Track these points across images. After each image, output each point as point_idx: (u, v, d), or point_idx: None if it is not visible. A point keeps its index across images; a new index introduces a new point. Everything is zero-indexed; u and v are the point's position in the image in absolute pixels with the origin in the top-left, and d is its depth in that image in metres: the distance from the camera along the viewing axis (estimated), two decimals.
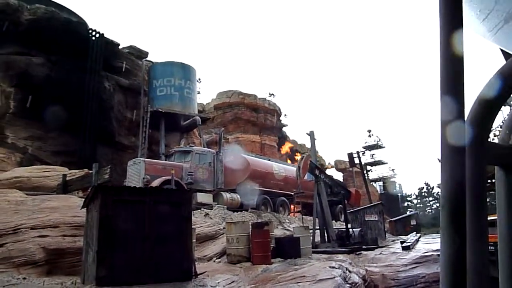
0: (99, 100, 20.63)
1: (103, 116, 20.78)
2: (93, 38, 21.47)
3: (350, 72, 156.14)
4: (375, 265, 9.91)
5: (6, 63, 19.62)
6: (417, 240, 13.46)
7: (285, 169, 20.22)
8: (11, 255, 6.52)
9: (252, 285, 7.05)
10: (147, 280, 5.41)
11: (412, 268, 9.36)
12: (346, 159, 46.51)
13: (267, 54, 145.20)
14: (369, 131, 52.59)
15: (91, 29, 21.85)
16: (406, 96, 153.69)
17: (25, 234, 7.01)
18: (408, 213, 37.80)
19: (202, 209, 13.52)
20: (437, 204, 63.44)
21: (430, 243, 12.71)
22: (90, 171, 14.01)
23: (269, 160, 21.53)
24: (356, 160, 24.14)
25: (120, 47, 23.90)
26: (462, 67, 0.72)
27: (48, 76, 19.94)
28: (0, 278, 5.84)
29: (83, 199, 7.59)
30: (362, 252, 11.36)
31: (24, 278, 5.99)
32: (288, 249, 10.00)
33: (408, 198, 64.05)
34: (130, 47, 25.16)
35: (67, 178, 13.56)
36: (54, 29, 19.70)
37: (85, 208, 6.59)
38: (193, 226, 6.94)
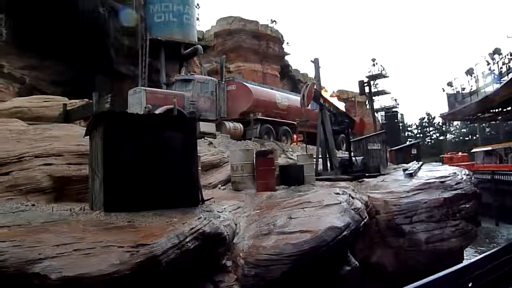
0: (94, 27, 19.70)
1: (99, 43, 20.00)
2: None
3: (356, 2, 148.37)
4: (377, 191, 10.04)
5: None
6: (419, 168, 13.59)
7: (288, 98, 19.92)
8: (18, 182, 6.56)
9: (258, 211, 7.18)
10: (155, 206, 5.45)
11: (414, 194, 9.48)
12: (349, 88, 46.10)
13: None
14: (373, 60, 51.22)
15: None
16: (410, 23, 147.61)
17: (30, 163, 6.99)
18: (408, 142, 38.22)
19: (206, 138, 13.50)
20: (437, 134, 64.00)
21: (432, 171, 12.84)
22: (91, 101, 13.79)
23: (272, 89, 21.14)
24: (366, 89, 23.71)
25: None
26: None
27: (40, 0, 18.82)
28: (9, 204, 5.90)
29: (86, 128, 7.47)
30: (364, 179, 11.49)
31: (33, 205, 6.05)
32: (292, 176, 10.10)
33: (409, 128, 64.45)
34: None
35: (68, 108, 13.37)
36: None
37: (88, 136, 6.47)
38: (198, 154, 6.87)
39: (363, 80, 22.93)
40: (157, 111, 13.29)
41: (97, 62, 19.31)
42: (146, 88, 15.37)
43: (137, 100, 14.01)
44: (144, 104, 13.59)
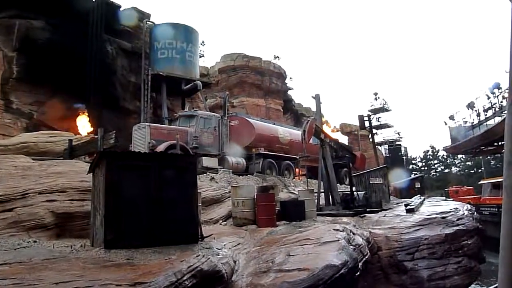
0: (102, 64, 20.35)
1: (107, 81, 20.59)
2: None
3: (355, 34, 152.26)
4: (378, 227, 10.04)
5: (7, 27, 19.28)
6: (421, 203, 13.58)
7: (290, 133, 20.17)
8: (21, 219, 6.66)
9: (258, 247, 7.20)
10: (154, 243, 5.52)
11: (416, 230, 9.47)
12: (352, 122, 46.46)
13: (271, 16, 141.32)
14: (375, 94, 51.97)
15: None
16: (411, 58, 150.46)
17: (34, 199, 7.12)
18: (412, 176, 38.04)
19: (208, 173, 13.63)
20: (442, 167, 63.72)
21: (434, 206, 12.83)
22: (96, 136, 14.05)
23: (274, 124, 21.44)
24: (366, 123, 23.93)
25: (121, 9, 23.29)
26: None
27: (50, 40, 19.58)
28: (11, 241, 5.98)
29: (89, 164, 7.64)
30: (366, 214, 11.50)
31: (35, 241, 6.13)
32: (293, 212, 10.13)
33: (413, 161, 64.30)
34: (132, 8, 24.49)
35: (73, 143, 13.63)
36: None
37: (91, 173, 6.63)
38: (199, 190, 7.00)
39: (362, 115, 23.18)
40: (160, 147, 13.53)
41: (104, 98, 19.80)
42: (150, 124, 15.67)
43: (141, 136, 14.27)
44: (148, 140, 13.84)
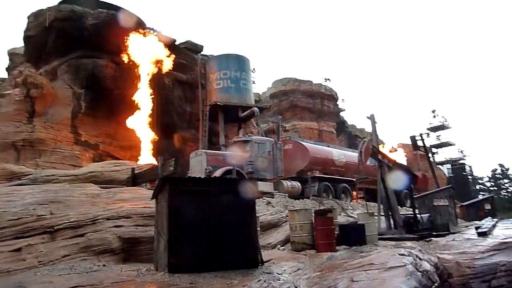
0: (160, 96, 21.51)
1: (165, 111, 21.66)
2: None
3: (409, 51, 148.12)
4: (447, 252, 9.37)
5: (76, 66, 21.10)
6: (494, 226, 12.56)
7: (345, 155, 19.81)
8: (92, 244, 7.04)
9: (318, 273, 7.00)
10: (215, 268, 5.57)
11: (490, 255, 8.71)
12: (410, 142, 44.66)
13: (320, 39, 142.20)
14: (433, 111, 49.75)
15: (148, 28, 22.73)
16: (472, 71, 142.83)
17: (102, 224, 7.51)
18: (481, 196, 35.47)
19: (264, 197, 13.65)
20: None
21: (510, 229, 11.81)
22: (156, 164, 14.68)
23: (329, 146, 21.19)
24: (420, 143, 22.87)
25: (176, 43, 24.63)
26: None
27: (113, 76, 21.13)
28: (84, 264, 6.33)
29: (151, 191, 7.97)
30: (432, 238, 10.82)
31: (104, 265, 6.44)
32: (353, 236, 9.77)
33: (480, 181, 60.06)
34: (186, 42, 25.83)
35: (136, 172, 14.31)
36: (115, 31, 20.75)
37: (155, 199, 6.90)
38: (256, 214, 7.00)
39: (414, 136, 22.18)
40: (217, 172, 13.82)
41: (163, 128, 20.79)
42: (207, 150, 16.14)
43: (198, 162, 14.70)
44: (205, 166, 14.20)
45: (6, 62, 28.86)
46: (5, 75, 27.82)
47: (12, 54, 27.82)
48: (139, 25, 22.36)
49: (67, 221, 7.30)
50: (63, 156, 19.66)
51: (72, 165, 18.85)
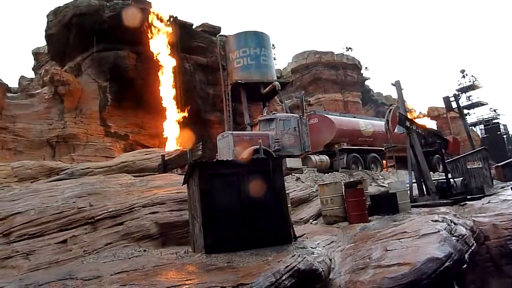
0: (182, 81, 21.69)
1: (188, 96, 21.86)
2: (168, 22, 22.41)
3: (432, 10, 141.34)
4: (483, 215, 9.24)
5: (98, 60, 21.51)
6: None
7: (372, 124, 19.50)
8: (131, 231, 7.39)
9: (352, 244, 7.09)
10: (250, 246, 5.74)
11: None
12: (439, 105, 43.34)
13: (338, 7, 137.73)
14: (463, 71, 47.76)
15: (164, 14, 22.76)
16: (500, 26, 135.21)
17: (139, 212, 7.85)
18: None
19: (293, 173, 13.74)
20: None
21: None
22: (185, 149, 14.98)
23: (355, 117, 20.89)
24: (454, 104, 22.06)
25: (193, 27, 24.59)
26: None
27: (135, 66, 21.44)
28: (125, 251, 6.69)
29: (183, 176, 8.20)
30: (466, 202, 10.65)
31: (145, 251, 6.77)
32: (385, 205, 9.77)
33: None
34: (203, 25, 25.73)
35: (166, 158, 14.66)
36: (132, 20, 20.88)
37: (186, 184, 7.11)
38: (286, 191, 7.11)
39: (448, 96, 21.40)
40: (244, 153, 13.97)
41: (188, 113, 21.04)
42: (233, 132, 16.27)
43: (225, 144, 14.87)
44: (232, 147, 14.37)
45: (31, 62, 29.63)
46: (32, 75, 28.74)
47: (36, 53, 28.59)
48: (155, 12, 22.40)
49: (105, 211, 7.67)
50: (95, 148, 20.35)
51: (105, 156, 19.51)
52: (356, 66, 39.72)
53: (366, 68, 41.72)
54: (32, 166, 13.56)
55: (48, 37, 22.52)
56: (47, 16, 22.29)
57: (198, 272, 4.82)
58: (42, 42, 25.42)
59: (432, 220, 7.28)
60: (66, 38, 21.91)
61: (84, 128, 20.62)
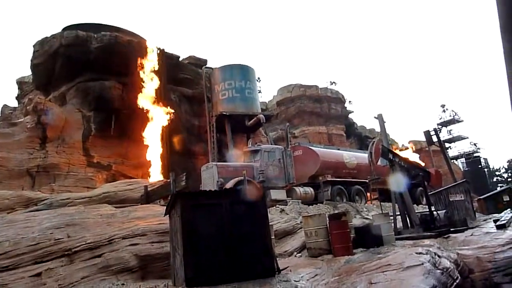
0: (168, 113, 21.74)
1: (173, 127, 21.86)
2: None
3: (413, 48, 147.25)
4: (467, 247, 9.26)
5: (84, 90, 21.50)
6: None
7: (356, 156, 19.72)
8: (109, 263, 7.12)
9: (336, 277, 6.96)
10: (232, 279, 5.59)
11: (511, 248, 8.59)
12: (421, 138, 44.24)
13: (323, 43, 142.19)
14: (443, 106, 49.36)
15: (151, 46, 23.10)
16: (477, 63, 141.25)
17: (119, 244, 7.60)
18: (498, 188, 34.87)
19: (277, 205, 13.64)
20: None
21: None
22: (168, 180, 14.80)
23: (339, 149, 21.11)
24: (434, 138, 22.54)
25: (180, 59, 24.96)
26: None
27: (121, 97, 21.47)
28: (103, 285, 6.42)
29: (165, 207, 8.04)
30: (450, 235, 10.69)
31: (123, 284, 6.52)
32: (369, 238, 9.70)
33: (497, 173, 59.06)
34: (189, 57, 26.16)
35: (149, 189, 14.44)
36: (119, 52, 21.12)
37: (168, 215, 6.97)
38: (270, 223, 7.03)
39: (428, 130, 21.87)
40: (228, 184, 13.88)
41: (172, 144, 20.98)
42: (217, 163, 16.21)
43: (210, 175, 14.77)
44: (217, 178, 14.27)
45: (15, 91, 29.42)
46: (15, 104, 28.45)
47: (21, 82, 28.43)
48: (142, 44, 22.73)
49: (84, 242, 7.41)
50: (77, 179, 19.95)
51: (86, 187, 19.11)
52: (340, 100, 40.56)
53: (349, 101, 42.67)
54: (10, 196, 13.16)
55: (33, 66, 22.51)
56: (34, 46, 22.37)
57: None
58: (27, 72, 25.40)
59: (416, 253, 7.24)
60: (52, 67, 21.93)
61: (66, 158, 20.27)
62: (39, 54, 22.03)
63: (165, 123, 21.16)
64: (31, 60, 22.42)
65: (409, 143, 43.62)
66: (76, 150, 20.72)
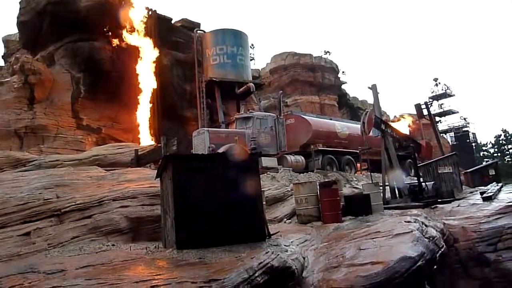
0: (159, 77, 21.32)
1: (165, 91, 21.50)
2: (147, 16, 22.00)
3: (409, 19, 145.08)
4: (453, 218, 9.43)
5: (73, 50, 20.87)
6: (499, 190, 12.59)
7: (348, 127, 19.71)
8: (99, 225, 7.11)
9: (325, 243, 7.06)
10: (223, 242, 5.60)
11: (496, 219, 8.74)
12: (413, 111, 44.40)
13: (318, 10, 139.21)
14: (436, 79, 49.23)
15: (144, 6, 22.35)
16: (473, 36, 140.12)
17: (109, 206, 7.56)
18: (484, 163, 35.46)
19: (268, 172, 13.67)
20: None
21: None
22: (159, 145, 14.69)
23: (331, 119, 21.06)
24: (425, 111, 22.61)
25: (172, 21, 24.23)
26: None
27: (111, 58, 20.90)
28: (93, 245, 6.42)
29: (156, 171, 7.97)
30: (437, 205, 10.87)
31: (113, 245, 6.52)
32: (359, 206, 9.82)
33: (484, 148, 59.94)
34: (182, 20, 25.39)
35: (139, 153, 14.34)
36: (110, 12, 20.39)
37: (159, 178, 6.91)
38: (261, 189, 7.01)
39: (419, 103, 21.93)
40: (220, 150, 13.81)
41: (164, 108, 20.70)
42: (209, 128, 16.07)
43: (201, 141, 14.66)
44: (208, 144, 14.18)
45: (1, 49, 28.51)
46: (1, 63, 27.64)
47: (7, 41, 27.48)
48: (134, 5, 21.95)
49: (73, 203, 7.35)
50: (66, 141, 19.70)
51: (75, 149, 18.90)
52: (333, 70, 40.17)
53: (343, 72, 42.29)
54: None
55: (20, 24, 21.70)
56: (20, 2, 21.46)
57: (168, 267, 4.66)
58: (13, 29, 24.50)
59: (405, 221, 7.35)
60: (39, 26, 21.16)
61: (54, 120, 19.92)
62: (25, 11, 21.17)
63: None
64: (17, 17, 21.58)
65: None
66: (65, 112, 20.33)
